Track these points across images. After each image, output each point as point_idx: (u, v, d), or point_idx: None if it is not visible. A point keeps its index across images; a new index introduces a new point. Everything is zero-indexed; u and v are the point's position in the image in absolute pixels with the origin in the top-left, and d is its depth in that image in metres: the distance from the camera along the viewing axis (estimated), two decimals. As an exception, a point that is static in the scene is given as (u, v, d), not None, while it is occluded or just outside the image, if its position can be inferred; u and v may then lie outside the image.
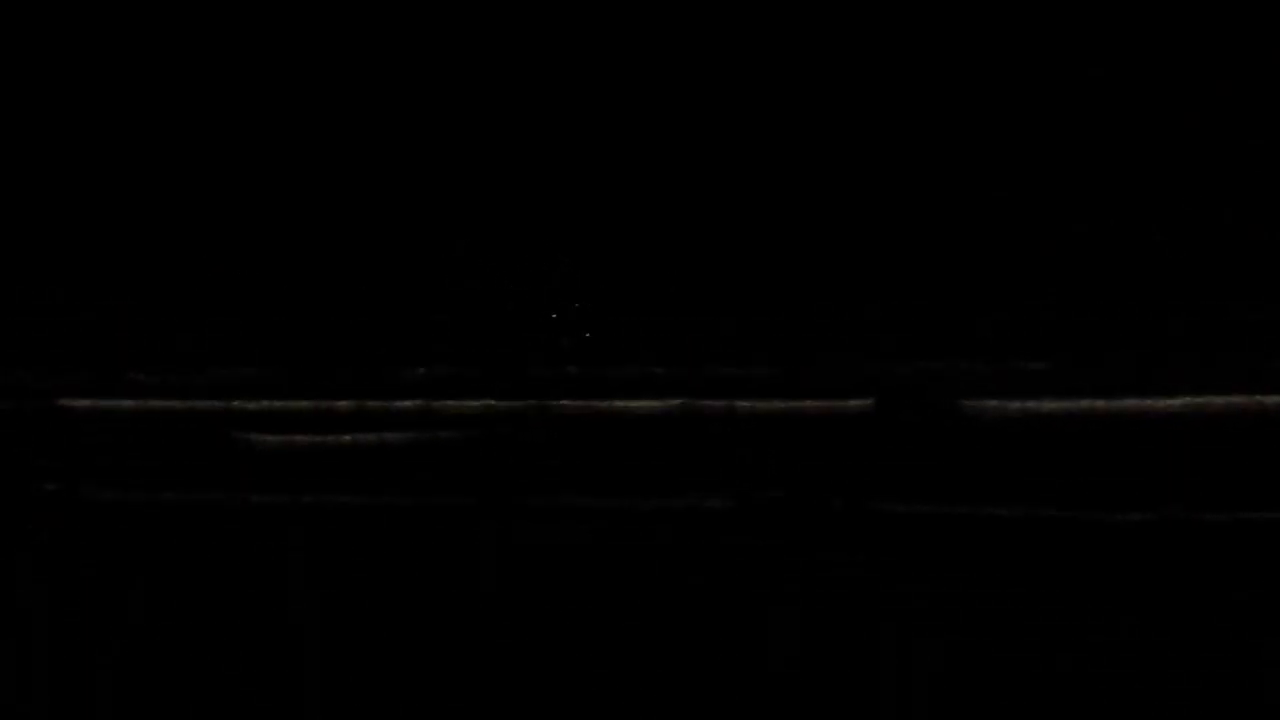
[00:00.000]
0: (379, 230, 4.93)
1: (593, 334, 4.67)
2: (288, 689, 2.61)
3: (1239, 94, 4.30)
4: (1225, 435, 3.83)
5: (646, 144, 4.72)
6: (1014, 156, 4.47)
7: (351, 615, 3.07)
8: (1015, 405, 4.05)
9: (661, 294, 4.66)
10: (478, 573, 3.42)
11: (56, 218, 5.19)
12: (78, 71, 5.14)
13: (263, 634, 2.95)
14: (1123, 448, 3.89)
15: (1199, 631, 2.73)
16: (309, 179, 4.98)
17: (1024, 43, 4.46)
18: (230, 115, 5.03)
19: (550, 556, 3.53)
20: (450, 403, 4.49)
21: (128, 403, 4.78)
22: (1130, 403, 3.97)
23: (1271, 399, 3.86)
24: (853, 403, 4.15)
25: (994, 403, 4.06)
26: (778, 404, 4.23)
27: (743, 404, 4.25)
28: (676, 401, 4.30)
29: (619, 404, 4.36)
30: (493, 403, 4.46)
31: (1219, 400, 3.89)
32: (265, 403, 4.65)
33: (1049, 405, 4.03)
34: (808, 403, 4.20)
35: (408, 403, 4.54)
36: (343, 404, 4.59)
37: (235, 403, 4.68)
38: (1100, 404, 3.99)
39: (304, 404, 4.61)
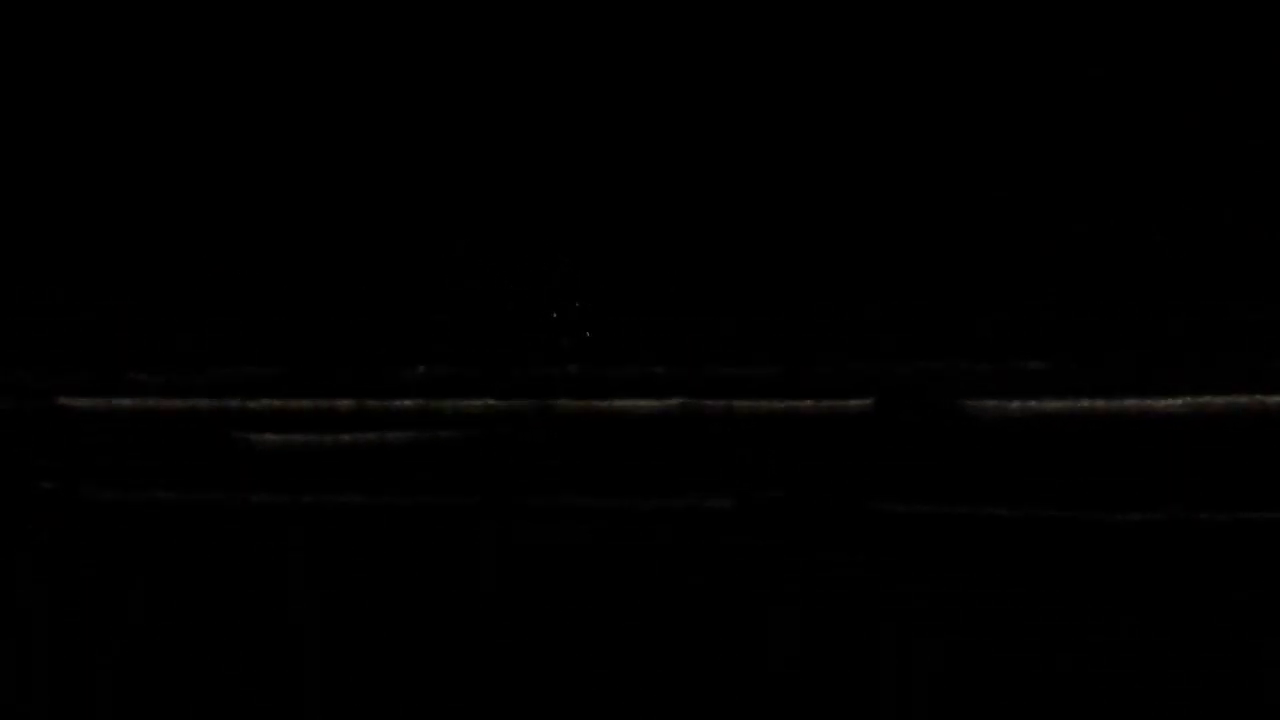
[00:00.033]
0: (379, 229, 4.93)
1: (593, 333, 4.67)
2: (287, 689, 2.60)
3: (1239, 94, 4.30)
4: (1226, 435, 3.83)
5: (646, 144, 4.72)
6: (1014, 156, 4.47)
7: (351, 615, 3.07)
8: (1015, 405, 4.05)
9: (662, 293, 4.65)
10: (478, 573, 3.42)
11: (55, 216, 5.19)
12: (78, 71, 5.13)
13: (262, 634, 2.95)
14: (1123, 448, 3.89)
15: (1199, 631, 2.73)
16: (308, 178, 4.98)
17: (1024, 43, 4.46)
18: (230, 115, 5.03)
19: (550, 556, 3.53)
20: (450, 402, 4.49)
21: (127, 401, 4.78)
22: (1130, 403, 3.97)
23: (1272, 399, 3.86)
24: (853, 402, 4.15)
25: (994, 403, 4.07)
26: (778, 404, 4.23)
27: (742, 404, 4.25)
28: (676, 401, 4.30)
29: (619, 404, 4.36)
30: (493, 402, 4.46)
31: (1219, 400, 3.89)
32: (265, 402, 4.65)
33: (1050, 405, 4.03)
34: (808, 402, 4.20)
35: (408, 402, 4.54)
36: (343, 403, 4.59)
37: (235, 402, 4.68)
38: (1100, 404, 3.99)
39: (304, 403, 4.61)
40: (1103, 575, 3.17)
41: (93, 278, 5.13)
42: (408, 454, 4.39)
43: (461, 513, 4.00)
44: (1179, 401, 3.93)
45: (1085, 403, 4.01)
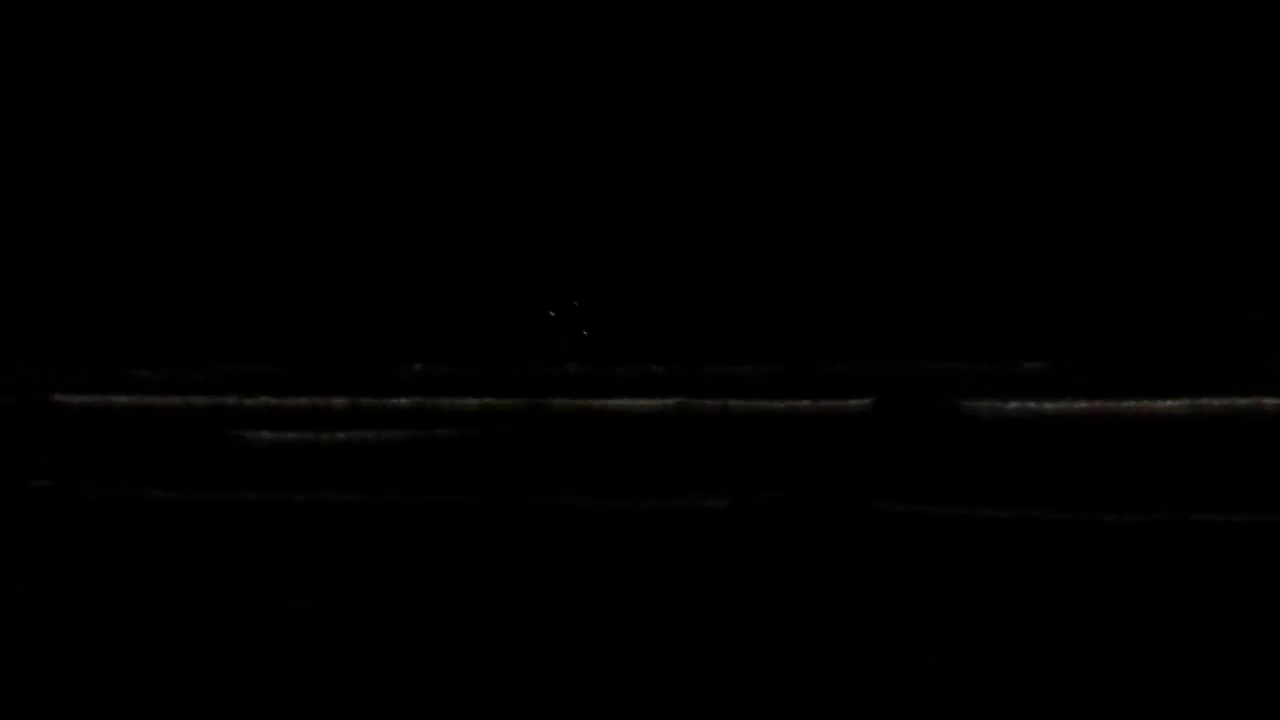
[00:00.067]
0: (377, 229, 4.91)
1: (590, 333, 4.66)
2: (283, 684, 2.59)
3: (1239, 95, 4.29)
4: (1224, 437, 3.82)
5: (645, 145, 4.71)
6: (1013, 157, 4.46)
7: (347, 613, 3.06)
8: (1013, 406, 4.04)
9: (660, 293, 4.64)
10: (474, 571, 3.41)
11: (52, 216, 5.17)
12: (78, 74, 5.12)
13: (257, 630, 2.94)
14: (1121, 449, 3.89)
15: (1196, 631, 2.73)
16: (306, 178, 4.96)
17: (1024, 44, 4.46)
18: (229, 115, 5.02)
19: (547, 555, 3.52)
20: (447, 400, 4.48)
21: (123, 399, 4.76)
22: (1128, 404, 3.97)
23: (1270, 401, 3.86)
24: (851, 402, 4.15)
25: (992, 403, 4.06)
26: (775, 404, 4.22)
27: (739, 403, 4.25)
28: (673, 401, 4.29)
29: (617, 403, 4.35)
30: (489, 401, 4.45)
31: (1218, 402, 3.89)
32: (260, 400, 4.64)
33: (1047, 406, 4.02)
34: (806, 402, 4.20)
35: (404, 400, 4.52)
36: (339, 401, 4.57)
37: (231, 399, 4.67)
38: (1099, 405, 3.99)
39: (300, 401, 4.59)
40: (1099, 575, 3.16)
41: (89, 275, 5.11)
42: (404, 452, 4.38)
43: (458, 511, 3.99)
44: (1177, 403, 3.92)
45: (1083, 404, 4.01)
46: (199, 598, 3.29)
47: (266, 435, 4.51)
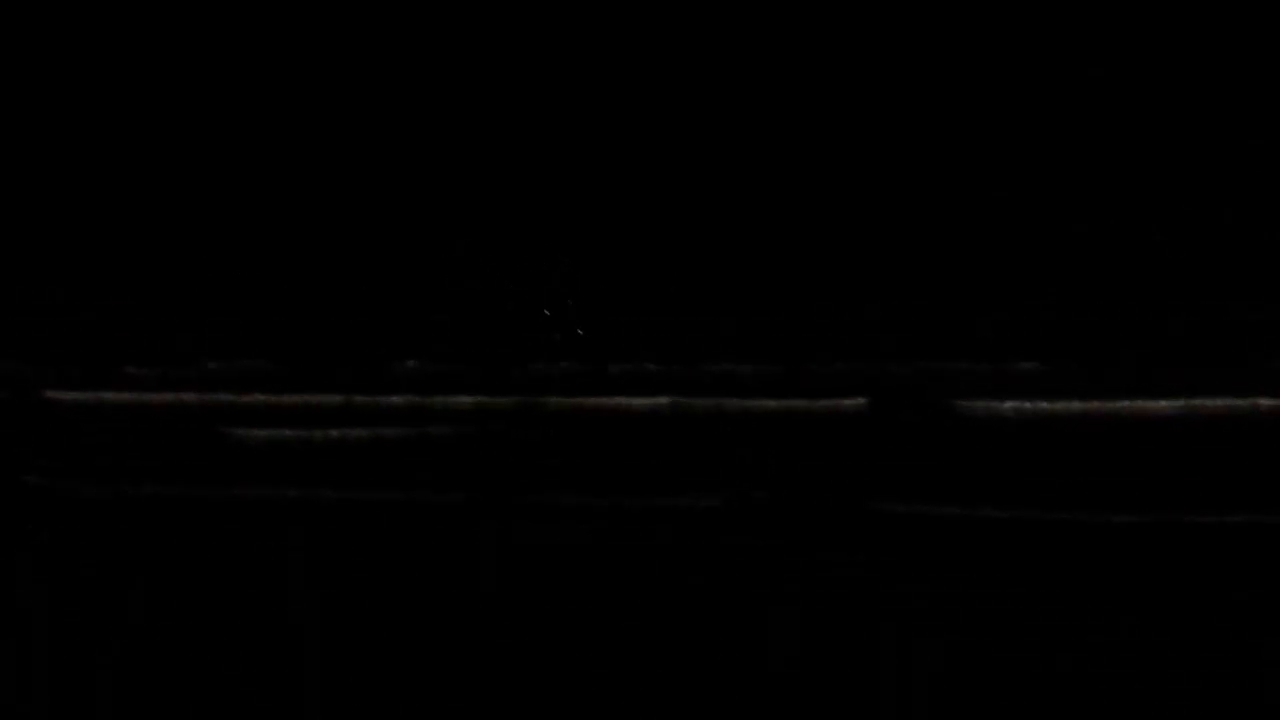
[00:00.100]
0: (371, 226, 4.90)
1: (586, 331, 4.64)
2: (275, 680, 2.58)
3: (1239, 94, 4.29)
4: (1221, 437, 3.82)
5: (642, 142, 4.70)
6: (1012, 157, 4.46)
7: (340, 609, 3.05)
8: (1009, 406, 4.03)
9: (656, 291, 4.63)
10: (467, 569, 3.40)
11: (44, 211, 5.16)
12: (69, 70, 5.10)
13: (249, 627, 2.93)
14: (1117, 449, 3.88)
15: (1194, 631, 2.72)
16: (299, 176, 4.95)
17: (1024, 43, 4.45)
18: (224, 111, 5.00)
19: (542, 553, 3.51)
20: (441, 398, 4.47)
21: (115, 395, 4.74)
22: (1124, 404, 3.96)
23: (1266, 401, 3.85)
24: (846, 402, 4.13)
25: (987, 403, 4.05)
26: (770, 403, 4.21)
27: (733, 402, 4.23)
28: (667, 400, 4.28)
29: (612, 401, 4.34)
30: (484, 399, 4.43)
31: (1215, 403, 3.88)
32: (253, 397, 4.62)
33: (1045, 406, 4.01)
34: (800, 402, 4.18)
35: (398, 398, 4.51)
36: (333, 399, 4.56)
37: (223, 396, 4.65)
38: (1095, 405, 3.98)
39: (293, 398, 4.58)
40: (1095, 575, 3.16)
41: (81, 271, 5.10)
42: (398, 450, 4.36)
43: (452, 509, 3.98)
44: (1174, 403, 3.91)
45: (1079, 404, 4.00)
46: (192, 595, 3.28)
47: (260, 432, 4.50)
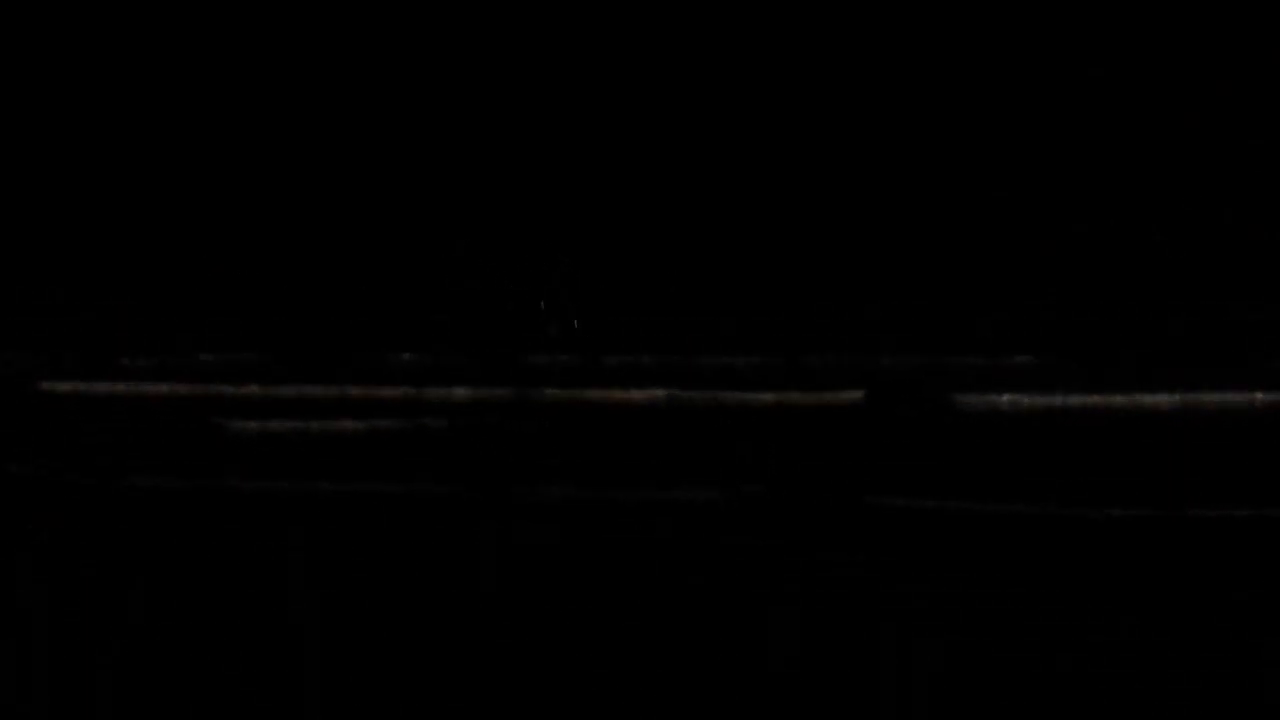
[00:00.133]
0: (366, 218, 4.91)
1: (582, 324, 4.64)
2: (269, 672, 2.57)
3: (1239, 94, 4.29)
4: (1220, 431, 3.81)
5: (640, 136, 4.70)
6: (1012, 155, 4.46)
7: (335, 601, 3.04)
8: (1005, 400, 4.02)
9: (653, 284, 4.63)
10: (462, 561, 3.40)
11: (37, 203, 5.16)
12: (65, 67, 5.11)
13: (242, 618, 2.92)
14: (1114, 444, 3.87)
15: (1194, 629, 2.71)
16: (294, 168, 4.96)
17: (1024, 43, 4.46)
18: (220, 106, 5.01)
19: (537, 546, 3.50)
20: (436, 390, 4.46)
21: (110, 387, 4.74)
22: (1119, 399, 3.95)
23: (1263, 396, 3.85)
24: (843, 395, 4.13)
25: (984, 397, 4.04)
26: (767, 396, 4.20)
27: (730, 395, 4.23)
28: (663, 392, 4.27)
29: (608, 394, 4.33)
30: (480, 391, 4.43)
31: (1213, 397, 3.88)
32: (247, 388, 4.62)
33: (1043, 401, 4.00)
34: (798, 395, 4.18)
35: (394, 390, 4.51)
36: (327, 391, 4.56)
37: (217, 388, 4.65)
38: (1092, 400, 3.97)
39: (288, 390, 4.57)
40: (1092, 571, 3.15)
41: (76, 262, 5.10)
42: (393, 442, 4.36)
43: (447, 501, 3.97)
44: (1172, 398, 3.91)
45: (1076, 399, 3.99)
46: (186, 587, 3.27)
47: (255, 424, 4.49)
